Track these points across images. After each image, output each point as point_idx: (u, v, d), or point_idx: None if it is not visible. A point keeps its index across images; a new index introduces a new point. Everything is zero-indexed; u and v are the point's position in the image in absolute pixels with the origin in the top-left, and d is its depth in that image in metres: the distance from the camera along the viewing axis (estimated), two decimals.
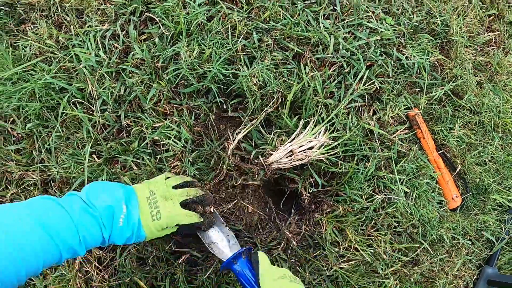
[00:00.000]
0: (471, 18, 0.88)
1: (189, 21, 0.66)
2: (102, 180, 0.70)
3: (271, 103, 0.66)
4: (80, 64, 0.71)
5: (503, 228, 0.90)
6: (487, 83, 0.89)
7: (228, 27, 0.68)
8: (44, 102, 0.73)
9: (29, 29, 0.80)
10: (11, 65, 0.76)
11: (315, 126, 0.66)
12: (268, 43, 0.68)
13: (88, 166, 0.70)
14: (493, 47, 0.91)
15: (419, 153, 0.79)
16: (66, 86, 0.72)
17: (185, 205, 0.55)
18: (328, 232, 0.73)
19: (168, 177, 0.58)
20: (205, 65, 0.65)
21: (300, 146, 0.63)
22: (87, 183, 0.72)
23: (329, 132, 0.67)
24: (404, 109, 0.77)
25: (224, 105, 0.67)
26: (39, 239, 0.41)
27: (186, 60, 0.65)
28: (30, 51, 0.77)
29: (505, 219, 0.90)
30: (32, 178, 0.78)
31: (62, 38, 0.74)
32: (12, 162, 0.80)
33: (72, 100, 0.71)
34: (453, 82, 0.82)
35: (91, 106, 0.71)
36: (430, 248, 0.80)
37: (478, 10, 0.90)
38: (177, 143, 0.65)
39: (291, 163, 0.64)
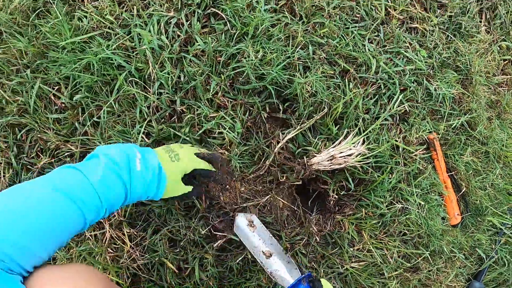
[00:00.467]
0: (490, 61, 1.00)
1: (255, 24, 0.72)
2: None
3: (319, 111, 0.73)
4: (141, 45, 0.74)
5: (493, 247, 1.02)
6: (496, 119, 1.01)
7: (289, 36, 0.74)
8: (99, 76, 0.76)
9: (87, 1, 0.82)
10: (68, 33, 0.78)
11: (354, 136, 0.74)
12: (321, 56, 0.75)
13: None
14: (504, 88, 1.04)
15: (432, 172, 0.89)
16: (125, 64, 0.75)
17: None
18: (349, 231, 0.81)
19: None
20: (265, 67, 0.71)
21: (341, 152, 0.71)
22: None
23: (367, 143, 0.75)
24: (425, 132, 0.87)
25: (278, 106, 0.73)
26: (60, 205, 0.41)
27: (252, 60, 0.70)
28: (88, 23, 0.79)
29: (496, 239, 1.02)
30: (70, 149, 0.79)
31: (125, 15, 0.77)
32: (49, 131, 0.81)
33: (129, 79, 0.74)
34: (469, 115, 0.93)
35: (147, 87, 0.75)
36: (430, 257, 0.90)
37: (496, 55, 1.03)
38: (230, 134, 0.70)
39: (330, 166, 0.71)
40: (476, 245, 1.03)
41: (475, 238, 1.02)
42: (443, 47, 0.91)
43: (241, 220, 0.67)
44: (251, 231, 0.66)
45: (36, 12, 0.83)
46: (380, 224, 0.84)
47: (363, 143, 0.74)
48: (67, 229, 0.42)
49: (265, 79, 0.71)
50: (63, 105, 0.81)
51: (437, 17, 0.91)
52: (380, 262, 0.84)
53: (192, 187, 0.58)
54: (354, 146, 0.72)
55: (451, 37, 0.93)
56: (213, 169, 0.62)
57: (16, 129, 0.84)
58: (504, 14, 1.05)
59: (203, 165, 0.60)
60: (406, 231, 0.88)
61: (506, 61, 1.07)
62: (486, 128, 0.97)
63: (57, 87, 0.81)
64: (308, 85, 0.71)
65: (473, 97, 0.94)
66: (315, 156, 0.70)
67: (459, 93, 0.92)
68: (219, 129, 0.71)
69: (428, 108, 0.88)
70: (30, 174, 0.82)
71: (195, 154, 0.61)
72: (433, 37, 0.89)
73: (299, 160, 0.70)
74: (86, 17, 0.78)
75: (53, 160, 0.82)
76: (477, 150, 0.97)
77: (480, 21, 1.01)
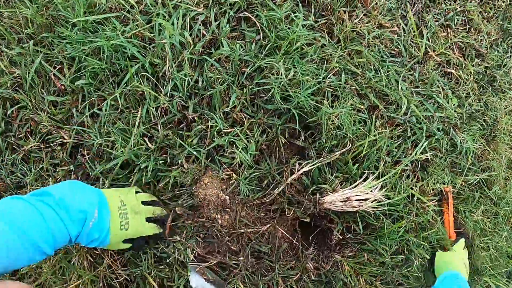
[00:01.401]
0: None
1: (291, 39, 0.64)
2: (147, 166, 0.65)
3: (341, 146, 0.66)
4: (162, 37, 0.66)
5: None
6: (511, 179, 0.96)
7: (323, 59, 0.67)
8: (108, 64, 0.67)
9: None
10: (81, 9, 0.68)
11: (373, 180, 0.67)
12: (352, 86, 0.68)
13: (135, 147, 0.65)
14: None
15: (441, 226, 0.83)
16: (139, 56, 0.66)
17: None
18: (345, 274, 0.74)
19: (138, 192, 0.64)
20: (294, 89, 0.63)
21: (357, 195, 0.64)
22: (121, 164, 0.67)
23: (385, 189, 0.68)
24: (442, 184, 0.81)
25: (300, 133, 0.66)
26: (13, 243, 0.42)
27: (281, 79, 0.63)
28: (106, 2, 0.70)
29: None
30: (63, 137, 0.70)
31: (147, 1, 0.68)
32: (43, 113, 0.72)
33: (141, 73, 0.66)
34: (487, 173, 0.88)
35: (159, 86, 0.66)
36: None
37: None
38: (243, 154, 0.62)
39: (342, 208, 0.64)
40: None
41: None
42: (474, 98, 0.85)
43: (194, 275, 0.64)
44: (206, 281, 0.67)
45: None
46: (379, 271, 0.77)
47: (381, 189, 0.67)
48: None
49: (291, 101, 0.64)
50: (63, 87, 0.72)
51: (473, 65, 0.85)
52: None
53: (130, 245, 0.61)
54: (371, 191, 0.66)
55: (483, 89, 0.88)
56: (159, 231, 0.63)
57: (7, 103, 0.74)
58: None
59: (150, 231, 0.62)
60: (404, 283, 0.82)
61: None
62: (502, 189, 0.92)
63: (59, 66, 0.72)
64: (335, 117, 0.64)
65: (494, 154, 0.89)
66: (329, 194, 0.63)
67: (482, 149, 0.86)
68: (231, 147, 0.63)
69: (449, 160, 0.82)
70: (15, 156, 0.73)
71: (146, 219, 0.62)
72: (466, 86, 0.83)
73: (311, 196, 0.63)
74: None
75: (42, 145, 0.73)
76: (488, 209, 0.92)
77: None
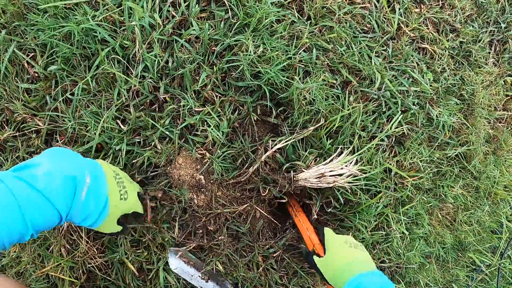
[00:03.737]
0: (494, 94, 0.94)
1: (260, 16, 0.63)
2: (121, 148, 0.64)
3: (314, 122, 0.65)
4: (131, 20, 0.65)
5: (469, 284, 0.97)
6: (491, 155, 0.96)
7: (293, 36, 0.66)
8: (79, 48, 0.66)
9: None
10: None
11: (347, 155, 0.66)
12: (324, 62, 0.68)
13: (108, 130, 0.64)
14: (503, 124, 0.99)
15: (422, 202, 0.83)
16: (109, 39, 0.65)
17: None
18: None
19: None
20: (263, 66, 0.63)
21: (331, 171, 0.63)
22: (97, 146, 0.66)
23: (361, 163, 0.68)
24: (420, 160, 0.80)
25: (272, 109, 0.65)
26: None
27: (250, 55, 0.62)
28: None
29: (473, 276, 0.97)
30: (38, 124, 0.70)
31: None
32: (18, 101, 0.71)
33: (111, 56, 0.65)
34: (466, 147, 0.87)
35: (130, 68, 0.65)
36: None
37: (500, 89, 0.97)
38: (214, 133, 0.62)
39: (318, 184, 0.63)
40: (453, 280, 0.97)
41: (453, 273, 0.96)
42: (450, 73, 0.84)
43: (173, 258, 0.65)
44: (185, 264, 0.66)
45: None
46: None
47: (356, 163, 0.66)
48: None
49: (261, 78, 0.63)
50: (36, 74, 0.71)
51: (448, 41, 0.85)
52: None
53: (121, 227, 0.52)
54: (346, 166, 0.65)
55: (459, 64, 0.87)
56: (142, 212, 0.59)
57: None
58: None
59: (140, 209, 0.57)
60: (386, 259, 0.81)
61: (509, 97, 1.02)
62: (481, 163, 0.91)
63: (32, 54, 0.71)
64: (307, 92, 0.64)
65: (472, 129, 0.88)
66: (303, 171, 0.62)
67: (459, 123, 0.86)
68: (203, 126, 0.62)
69: (426, 134, 0.81)
70: None
71: (138, 193, 0.56)
72: (441, 61, 0.83)
73: (285, 174, 0.62)
74: None
75: (17, 133, 0.72)
76: (469, 184, 0.91)
77: (489, 53, 0.96)
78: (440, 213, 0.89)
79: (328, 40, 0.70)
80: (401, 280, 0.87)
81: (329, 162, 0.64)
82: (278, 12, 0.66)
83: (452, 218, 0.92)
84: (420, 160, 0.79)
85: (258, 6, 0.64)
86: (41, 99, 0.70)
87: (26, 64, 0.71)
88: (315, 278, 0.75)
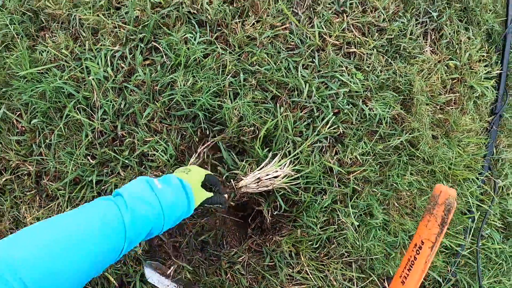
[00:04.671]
0: (434, 80, 1.09)
1: (188, 55, 0.85)
2: (92, 179, 0.87)
3: (248, 133, 0.84)
4: (90, 76, 0.89)
5: (449, 269, 1.08)
6: (443, 137, 1.09)
7: (220, 65, 0.87)
8: (52, 103, 0.91)
9: (48, 37, 0.98)
10: (27, 65, 0.94)
11: (281, 158, 0.84)
12: (251, 83, 0.88)
13: (81, 165, 0.87)
14: (452, 107, 1.13)
15: (370, 193, 0.98)
16: (74, 93, 0.89)
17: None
18: (286, 251, 0.90)
19: None
20: (196, 95, 0.84)
21: (267, 175, 0.81)
22: (75, 180, 0.89)
23: (293, 165, 0.85)
24: (361, 154, 0.96)
25: (207, 130, 0.85)
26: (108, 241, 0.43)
27: (181, 88, 0.83)
28: (46, 56, 0.95)
29: (452, 261, 1.08)
30: (28, 168, 0.94)
31: (77, 50, 0.92)
32: (11, 151, 0.96)
33: (78, 106, 0.89)
34: (410, 134, 1.02)
35: (93, 114, 0.89)
36: (378, 281, 0.97)
37: (442, 74, 1.12)
38: (163, 157, 0.83)
39: (257, 188, 0.82)
40: (429, 268, 1.09)
41: None
42: (381, 69, 1.01)
43: (148, 270, 0.81)
44: (160, 275, 0.81)
45: (4, 45, 1.00)
46: (317, 246, 0.92)
47: (289, 165, 0.84)
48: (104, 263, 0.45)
49: (196, 105, 0.84)
50: (23, 128, 0.97)
51: (375, 40, 1.02)
52: (322, 285, 0.91)
53: (211, 193, 0.67)
54: (280, 168, 0.83)
55: (393, 59, 1.04)
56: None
57: None
58: (450, 33, 1.14)
59: (209, 172, 0.71)
60: (345, 253, 0.95)
61: (455, 80, 1.15)
62: (431, 147, 1.05)
63: (18, 112, 0.97)
64: (236, 110, 0.83)
65: (415, 116, 1.03)
66: (242, 179, 0.81)
67: (398, 113, 1.01)
68: (153, 152, 0.83)
69: (364, 129, 0.97)
70: None
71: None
72: (370, 60, 1.00)
73: (227, 183, 0.81)
74: (45, 51, 0.94)
75: (12, 176, 0.97)
76: (422, 169, 1.05)
77: (426, 42, 1.11)
78: (397, 202, 1.03)
79: (253, 63, 0.90)
80: (372, 274, 1.00)
81: (263, 167, 0.82)
82: (206, 49, 0.87)
83: (412, 205, 1.05)
84: (361, 154, 0.95)
85: (185, 47, 0.86)
86: (29, 147, 0.95)
87: (15, 121, 0.97)
88: (280, 279, 0.91)
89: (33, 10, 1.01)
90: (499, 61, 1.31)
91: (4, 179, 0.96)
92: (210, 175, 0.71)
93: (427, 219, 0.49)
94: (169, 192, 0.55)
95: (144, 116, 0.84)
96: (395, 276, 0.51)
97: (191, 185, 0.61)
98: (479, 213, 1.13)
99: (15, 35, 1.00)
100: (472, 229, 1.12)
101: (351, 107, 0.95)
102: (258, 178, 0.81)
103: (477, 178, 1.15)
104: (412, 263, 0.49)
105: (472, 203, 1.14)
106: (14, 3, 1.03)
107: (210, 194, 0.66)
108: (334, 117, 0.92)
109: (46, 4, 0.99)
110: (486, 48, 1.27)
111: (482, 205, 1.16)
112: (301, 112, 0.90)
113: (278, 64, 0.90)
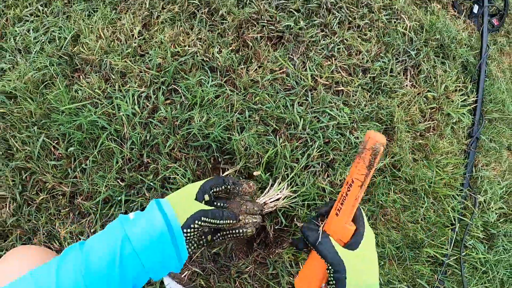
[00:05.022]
0: (414, 111, 1.31)
1: (202, 96, 1.07)
2: (121, 199, 1.07)
3: (254, 161, 1.06)
4: (120, 112, 1.11)
5: (436, 277, 1.26)
6: (423, 160, 1.30)
7: (229, 104, 1.09)
8: (87, 134, 1.12)
9: (82, 77, 1.21)
10: (66, 101, 1.16)
11: (281, 182, 1.05)
12: (255, 119, 1.09)
13: (111, 187, 1.08)
14: (431, 133, 1.34)
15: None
16: (107, 126, 1.11)
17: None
18: (285, 260, 1.09)
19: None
20: (210, 129, 1.05)
21: (270, 199, 1.02)
22: (105, 199, 1.09)
23: (291, 187, 1.06)
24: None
25: (219, 158, 1.07)
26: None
27: (197, 123, 1.05)
28: (81, 94, 1.17)
29: (438, 270, 1.27)
30: (63, 189, 1.15)
31: (109, 90, 1.15)
32: (48, 174, 1.17)
33: (110, 137, 1.10)
34: (392, 158, 1.23)
35: (123, 144, 1.10)
36: None
37: (421, 104, 1.34)
38: (182, 180, 1.03)
39: (263, 212, 1.02)
40: (417, 276, 1.27)
41: (414, 269, 1.27)
42: (366, 103, 1.23)
43: (167, 279, 0.99)
44: (177, 283, 0.98)
45: (44, 83, 1.22)
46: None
47: (287, 187, 1.05)
48: None
49: (209, 137, 1.05)
50: (60, 155, 1.18)
51: (360, 79, 1.24)
52: None
53: (213, 207, 0.53)
54: (280, 191, 1.04)
55: (375, 95, 1.26)
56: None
57: (22, 171, 1.21)
58: (428, 68, 1.37)
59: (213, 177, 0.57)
60: None
61: (433, 109, 1.37)
62: (412, 168, 1.26)
63: (56, 141, 1.18)
64: (242, 141, 1.05)
65: (397, 142, 1.24)
66: None
67: None
68: (174, 176, 1.04)
69: (352, 155, 1.18)
70: (29, 208, 1.18)
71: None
72: (356, 96, 1.22)
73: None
74: (80, 89, 1.17)
75: (48, 196, 1.17)
76: (405, 188, 1.25)
77: (406, 78, 1.34)
78: (384, 218, 1.23)
79: (256, 102, 1.12)
80: None
81: (267, 192, 1.03)
82: (217, 90, 1.10)
83: (397, 219, 1.25)
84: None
85: (200, 89, 1.08)
86: (64, 171, 1.16)
87: (52, 148, 1.19)
88: (283, 287, 1.11)
89: (68, 54, 1.25)
90: (475, 90, 1.53)
91: (40, 198, 1.16)
92: (210, 179, 0.58)
93: (358, 162, 0.52)
94: (140, 219, 0.47)
95: (166, 147, 1.05)
96: (331, 210, 0.57)
97: (168, 198, 0.51)
98: (458, 225, 1.32)
99: (54, 75, 1.22)
100: (454, 240, 1.31)
101: (340, 137, 1.17)
102: (264, 202, 1.02)
103: (458, 195, 1.35)
104: (344, 198, 0.54)
105: (453, 217, 1.33)
106: (52, 48, 1.26)
107: (206, 207, 0.52)
108: (325, 145, 1.13)
109: (80, 50, 1.22)
110: (462, 78, 1.50)
111: (463, 218, 1.36)
112: (297, 142, 1.11)
113: (277, 103, 1.12)
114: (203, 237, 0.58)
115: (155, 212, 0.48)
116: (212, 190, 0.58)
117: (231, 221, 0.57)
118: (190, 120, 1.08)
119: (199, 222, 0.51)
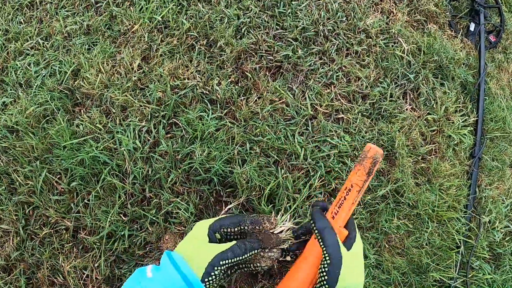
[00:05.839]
0: (414, 135, 1.33)
1: (203, 129, 1.10)
2: (124, 233, 1.09)
3: (255, 194, 1.08)
4: (121, 146, 1.14)
5: None
6: (426, 184, 1.32)
7: (230, 137, 1.12)
8: (89, 169, 1.15)
9: (83, 112, 1.24)
10: (68, 136, 1.19)
11: (282, 215, 1.07)
12: (256, 151, 1.12)
13: (114, 222, 1.10)
14: (432, 156, 1.36)
15: (362, 237, 1.19)
16: (108, 161, 1.14)
17: None
18: None
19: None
20: (211, 162, 1.08)
21: (273, 231, 1.04)
22: (108, 234, 1.11)
23: (294, 218, 1.08)
24: None
25: (222, 192, 1.09)
26: None
27: (198, 157, 1.08)
28: (83, 129, 1.20)
29: None
30: (66, 224, 1.17)
31: (110, 124, 1.18)
32: (51, 209, 1.19)
33: (112, 172, 1.13)
34: (395, 183, 1.25)
35: (124, 179, 1.13)
36: None
37: (422, 128, 1.36)
38: (185, 214, 1.06)
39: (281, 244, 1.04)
40: None
41: None
42: (366, 130, 1.26)
43: None
44: None
45: (46, 118, 1.26)
46: None
47: (290, 219, 1.07)
48: None
49: (211, 171, 1.08)
50: (63, 189, 1.21)
51: (359, 105, 1.27)
52: None
53: (230, 244, 0.50)
54: (283, 224, 1.06)
55: (376, 120, 1.29)
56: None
57: (25, 206, 1.23)
58: (427, 91, 1.40)
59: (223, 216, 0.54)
60: None
61: (434, 132, 1.40)
62: (415, 193, 1.28)
63: (58, 176, 1.21)
64: (244, 174, 1.07)
65: (399, 168, 1.26)
66: None
67: (383, 167, 1.25)
68: (177, 210, 1.07)
69: None
70: (33, 242, 1.20)
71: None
72: (356, 123, 1.25)
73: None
74: (81, 124, 1.20)
75: (52, 230, 1.20)
76: (408, 213, 1.27)
77: (405, 102, 1.37)
78: (388, 244, 1.25)
79: (257, 134, 1.15)
80: None
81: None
82: (217, 123, 1.13)
83: (402, 245, 1.26)
84: None
85: (201, 122, 1.11)
86: (67, 206, 1.19)
87: (55, 183, 1.21)
88: None
89: (69, 89, 1.28)
90: (475, 109, 1.56)
91: (44, 232, 1.19)
92: (222, 218, 0.55)
93: (358, 169, 0.57)
94: (160, 277, 0.46)
95: (168, 181, 1.08)
96: (327, 212, 0.60)
97: (181, 251, 0.50)
98: (462, 247, 1.34)
99: (55, 110, 1.26)
100: (460, 262, 1.32)
101: (341, 165, 1.19)
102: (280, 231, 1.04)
103: (462, 217, 1.37)
104: (342, 202, 0.58)
105: (459, 239, 1.35)
106: (53, 82, 1.30)
107: (224, 246, 0.51)
108: (327, 175, 1.16)
109: (81, 84, 1.26)
110: (462, 98, 1.53)
111: (468, 240, 1.37)
112: (298, 173, 1.14)
113: (278, 134, 1.15)
114: (224, 275, 0.57)
115: (170, 269, 0.47)
116: (223, 230, 0.55)
117: (255, 251, 0.55)
118: (191, 154, 1.11)
119: (219, 268, 0.49)
